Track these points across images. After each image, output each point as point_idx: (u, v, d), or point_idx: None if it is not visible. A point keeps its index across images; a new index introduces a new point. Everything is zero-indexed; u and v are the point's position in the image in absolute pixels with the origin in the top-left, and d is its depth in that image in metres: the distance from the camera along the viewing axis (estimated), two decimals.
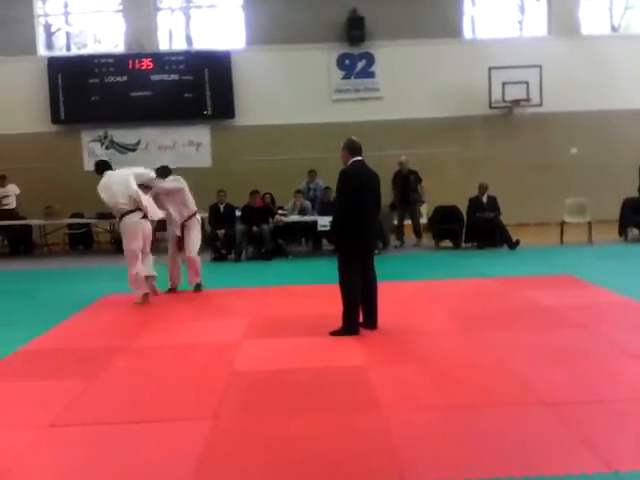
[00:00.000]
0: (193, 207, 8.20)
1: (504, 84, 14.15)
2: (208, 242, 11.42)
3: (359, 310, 5.72)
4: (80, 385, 4.61)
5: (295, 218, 11.64)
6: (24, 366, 5.19)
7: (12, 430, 3.87)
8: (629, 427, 3.67)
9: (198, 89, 14.62)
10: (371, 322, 5.80)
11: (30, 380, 4.81)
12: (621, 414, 3.82)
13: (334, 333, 5.65)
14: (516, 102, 14.29)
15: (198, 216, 8.32)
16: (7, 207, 13.08)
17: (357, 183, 5.59)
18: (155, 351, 5.50)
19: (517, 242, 11.14)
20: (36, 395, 4.46)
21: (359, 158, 5.73)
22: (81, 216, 12.95)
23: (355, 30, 14.45)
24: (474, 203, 11.73)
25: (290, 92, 14.51)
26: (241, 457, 3.42)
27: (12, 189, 13.14)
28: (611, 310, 6.54)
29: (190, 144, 14.81)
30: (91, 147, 14.79)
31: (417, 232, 12.19)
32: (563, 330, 5.78)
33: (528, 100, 14.23)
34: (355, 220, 5.56)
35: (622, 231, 11.93)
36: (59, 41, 15.62)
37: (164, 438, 3.68)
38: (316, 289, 7.92)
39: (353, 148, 5.77)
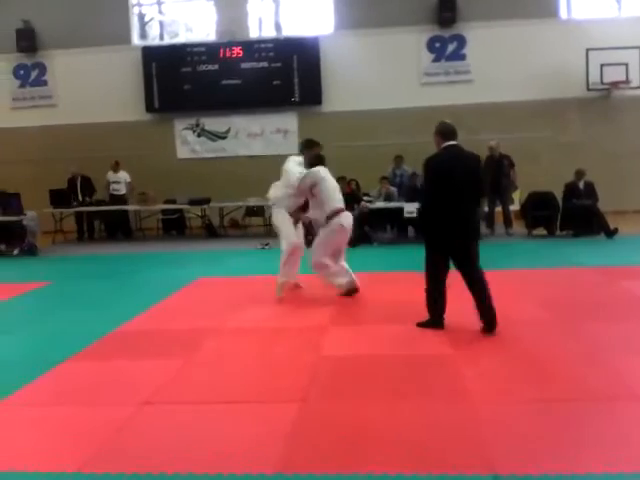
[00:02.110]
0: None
1: (602, 66, 13.53)
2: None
3: (442, 302, 5.43)
4: (174, 365, 4.76)
5: (380, 205, 11.56)
6: (120, 346, 5.40)
7: (108, 407, 4.03)
8: None
9: (286, 76, 14.71)
10: (486, 323, 5.28)
11: (126, 359, 5.00)
12: None
13: (420, 324, 5.50)
14: (614, 84, 13.65)
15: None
16: (117, 193, 13.64)
17: (440, 172, 5.24)
18: (245, 334, 5.60)
19: (615, 230, 10.67)
20: (131, 374, 4.62)
21: (452, 143, 5.34)
22: (174, 202, 13.33)
23: (446, 12, 14.14)
24: (570, 189, 11.30)
25: (378, 76, 14.38)
26: (328, 440, 3.44)
27: (123, 176, 13.69)
28: None
29: (278, 131, 14.94)
30: (183, 135, 15.18)
31: (507, 220, 11.83)
32: None
33: (627, 82, 13.57)
34: (438, 210, 5.26)
35: None
36: (152, 31, 16.05)
37: (254, 419, 3.75)
38: (401, 276, 7.84)
39: (445, 132, 5.39)
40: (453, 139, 5.37)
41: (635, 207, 13.37)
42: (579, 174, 11.31)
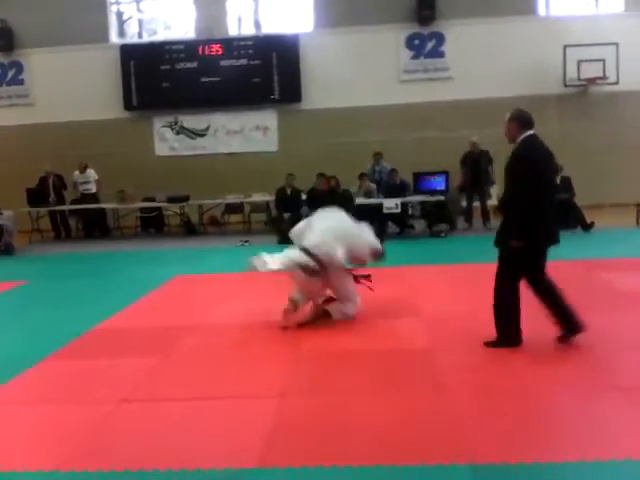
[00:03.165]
0: None
1: (579, 62, 13.65)
2: (274, 225, 11.54)
3: (518, 317, 4.71)
4: (151, 362, 4.74)
5: (360, 201, 11.57)
6: (98, 344, 5.36)
7: (86, 405, 4.01)
8: None
9: (266, 74, 14.65)
10: (571, 330, 4.75)
11: (104, 357, 4.97)
12: None
13: (489, 344, 4.74)
14: (592, 80, 13.78)
15: None
16: (88, 192, 13.54)
17: (538, 167, 4.55)
18: (224, 330, 5.58)
19: (592, 224, 10.78)
20: (109, 372, 4.60)
21: (532, 132, 4.68)
22: (152, 200, 13.24)
23: (425, 9, 14.15)
24: None
25: (357, 74, 14.35)
26: (307, 435, 3.45)
27: (91, 174, 13.58)
28: None
29: (257, 129, 14.88)
30: (162, 132, 15.09)
31: (485, 215, 11.94)
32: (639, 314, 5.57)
33: (604, 78, 13.70)
34: (536, 213, 4.52)
35: None
36: (131, 29, 15.92)
37: (232, 415, 3.75)
38: (380, 272, 7.83)
39: (524, 119, 4.72)
40: (532, 128, 4.72)
41: (611, 201, 13.50)
42: (556, 170, 11.39)
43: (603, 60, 13.58)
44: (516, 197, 4.59)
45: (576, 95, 14.18)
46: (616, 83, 13.66)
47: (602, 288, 6.64)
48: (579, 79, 13.79)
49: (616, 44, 13.53)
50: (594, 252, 8.85)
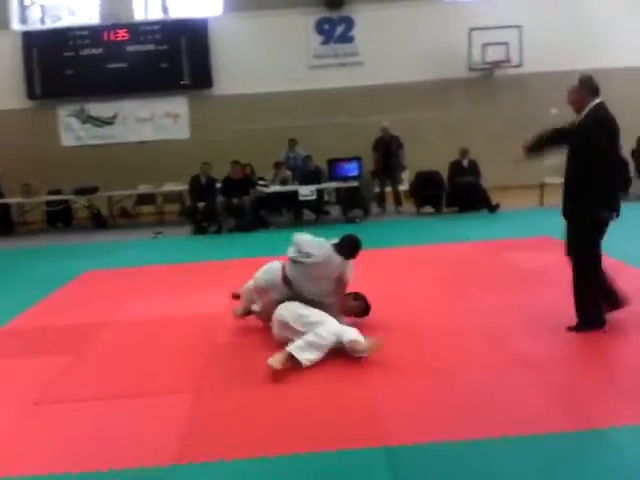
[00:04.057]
0: None
1: (484, 45, 14.03)
2: (188, 215, 11.39)
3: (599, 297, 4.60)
4: (63, 362, 4.61)
5: (276, 188, 11.56)
6: (7, 344, 5.18)
7: None
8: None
9: (175, 59, 14.41)
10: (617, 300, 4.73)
11: (13, 358, 4.81)
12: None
13: (574, 329, 4.59)
14: (496, 64, 14.20)
15: None
16: None
17: (614, 136, 4.43)
18: (138, 326, 5.48)
19: (497, 205, 11.17)
20: (19, 373, 4.46)
21: (601, 100, 4.45)
22: (59, 192, 12.78)
23: None
24: (455, 168, 11.72)
25: (269, 59, 14.29)
26: (222, 428, 3.45)
27: None
28: None
29: (167, 116, 14.61)
30: (67, 122, 14.59)
31: (397, 199, 12.19)
32: (542, 290, 5.82)
33: (508, 61, 14.15)
34: (608, 184, 4.48)
35: None
36: (33, 15, 15.26)
37: (147, 412, 3.71)
38: None
39: (594, 87, 4.46)
40: (599, 96, 4.50)
41: (517, 182, 13.96)
42: (463, 153, 11.75)
43: (507, 43, 14.01)
44: (594, 167, 4.43)
45: (481, 78, 14.60)
46: (519, 66, 14.13)
47: (506, 267, 6.93)
48: (484, 62, 14.18)
49: (519, 27, 13.95)
50: (499, 232, 9.18)
